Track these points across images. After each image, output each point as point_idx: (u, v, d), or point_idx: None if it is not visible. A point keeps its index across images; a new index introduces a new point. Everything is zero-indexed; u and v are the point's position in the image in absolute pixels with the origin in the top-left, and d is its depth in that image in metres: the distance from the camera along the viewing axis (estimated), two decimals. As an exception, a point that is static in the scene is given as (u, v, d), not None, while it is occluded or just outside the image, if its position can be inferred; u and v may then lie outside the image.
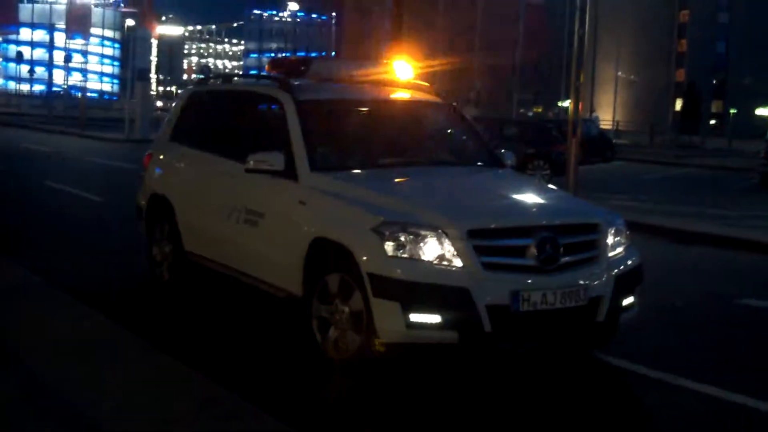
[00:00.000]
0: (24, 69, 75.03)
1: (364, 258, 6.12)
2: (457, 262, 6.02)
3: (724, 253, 13.42)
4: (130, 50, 43.99)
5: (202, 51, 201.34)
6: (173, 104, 9.86)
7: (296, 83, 7.94)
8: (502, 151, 8.33)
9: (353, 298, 6.25)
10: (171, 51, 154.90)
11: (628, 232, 6.95)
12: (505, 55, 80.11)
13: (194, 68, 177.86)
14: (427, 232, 6.06)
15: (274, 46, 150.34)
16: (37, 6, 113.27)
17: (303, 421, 5.27)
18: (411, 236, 6.06)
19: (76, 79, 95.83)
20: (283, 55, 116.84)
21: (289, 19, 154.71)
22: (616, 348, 7.05)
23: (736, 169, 34.19)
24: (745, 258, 13.15)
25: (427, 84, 8.90)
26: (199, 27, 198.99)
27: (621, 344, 7.09)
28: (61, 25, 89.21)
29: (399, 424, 5.58)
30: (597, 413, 5.98)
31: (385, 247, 6.04)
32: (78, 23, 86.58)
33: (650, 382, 6.58)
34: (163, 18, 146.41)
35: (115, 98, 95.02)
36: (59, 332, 6.56)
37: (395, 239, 6.05)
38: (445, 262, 6.03)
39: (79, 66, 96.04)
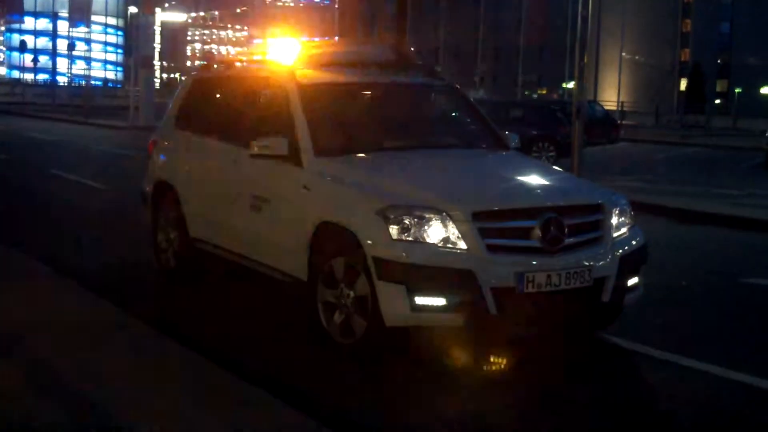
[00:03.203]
0: (28, 58, 74.81)
1: (369, 241, 6.14)
2: (462, 245, 6.03)
3: (729, 232, 13.42)
4: (134, 37, 43.83)
5: (205, 37, 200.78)
6: (177, 90, 9.83)
7: (299, 68, 7.93)
8: (507, 133, 8.31)
9: (358, 282, 6.26)
10: (174, 38, 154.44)
11: (632, 212, 6.95)
12: (509, 38, 79.84)
13: (198, 55, 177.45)
14: (432, 215, 6.07)
15: (277, 31, 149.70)
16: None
17: (312, 406, 5.28)
18: (415, 219, 6.06)
19: (80, 67, 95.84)
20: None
21: (292, 4, 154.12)
22: (621, 328, 7.06)
23: (742, 148, 34.13)
24: (750, 237, 13.15)
25: (430, 66, 8.88)
26: (202, 13, 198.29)
27: (626, 324, 7.11)
28: (64, 13, 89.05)
29: (405, 405, 5.61)
30: (602, 393, 5.99)
31: (390, 230, 6.05)
32: (80, 11, 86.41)
33: (655, 362, 6.59)
34: (166, 5, 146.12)
35: (119, 86, 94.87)
36: (67, 320, 6.58)
37: (400, 222, 6.06)
38: (449, 245, 6.03)
39: (82, 54, 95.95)
